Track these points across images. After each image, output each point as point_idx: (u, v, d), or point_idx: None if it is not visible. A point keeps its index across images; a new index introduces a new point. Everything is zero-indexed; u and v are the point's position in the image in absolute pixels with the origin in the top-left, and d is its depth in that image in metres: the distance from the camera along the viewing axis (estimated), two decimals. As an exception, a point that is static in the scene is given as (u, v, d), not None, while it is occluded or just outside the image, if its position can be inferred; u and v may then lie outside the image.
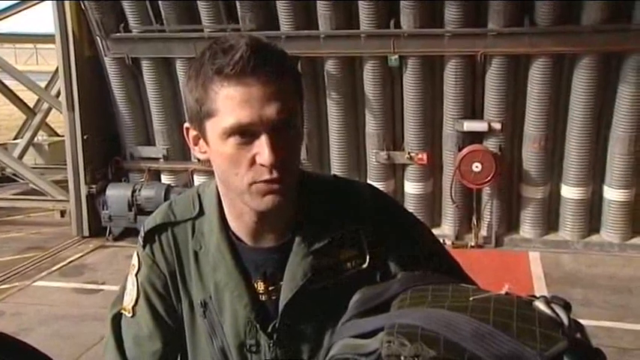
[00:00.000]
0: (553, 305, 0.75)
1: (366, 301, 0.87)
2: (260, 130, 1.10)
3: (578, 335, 0.72)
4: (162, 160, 8.81)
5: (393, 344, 0.72)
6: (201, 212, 1.31)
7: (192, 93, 1.14)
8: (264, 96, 1.09)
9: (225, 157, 1.14)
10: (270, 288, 1.27)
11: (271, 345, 1.27)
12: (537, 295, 0.80)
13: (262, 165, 1.11)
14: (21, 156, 10.67)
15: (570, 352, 0.68)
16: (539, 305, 0.75)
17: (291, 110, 1.13)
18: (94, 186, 8.60)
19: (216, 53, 1.10)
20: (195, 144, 1.21)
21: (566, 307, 0.76)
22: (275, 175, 1.11)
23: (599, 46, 7.17)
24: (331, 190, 1.32)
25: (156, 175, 8.96)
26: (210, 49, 1.12)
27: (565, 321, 0.73)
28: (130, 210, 8.26)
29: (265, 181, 1.13)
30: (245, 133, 1.10)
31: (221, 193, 1.27)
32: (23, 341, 0.98)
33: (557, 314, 0.74)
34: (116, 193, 8.40)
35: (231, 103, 1.09)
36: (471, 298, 0.76)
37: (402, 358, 0.71)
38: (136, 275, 1.35)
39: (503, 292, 0.79)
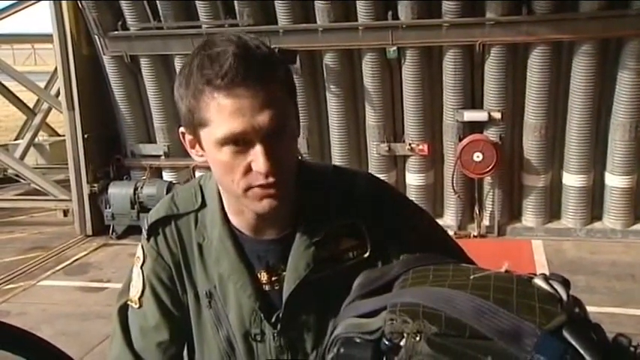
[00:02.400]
0: (552, 282, 0.77)
1: (368, 283, 0.89)
2: (254, 138, 1.10)
3: (577, 310, 0.74)
4: (163, 157, 8.82)
5: (395, 322, 0.74)
6: (203, 204, 1.33)
7: (183, 101, 1.16)
8: (255, 105, 1.09)
9: (220, 164, 1.15)
10: (273, 278, 1.29)
11: (276, 334, 1.29)
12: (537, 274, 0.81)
13: (258, 172, 1.12)
14: (22, 156, 10.69)
15: (569, 326, 0.69)
16: (538, 282, 0.77)
17: (284, 114, 1.13)
18: (95, 185, 8.62)
19: (203, 61, 1.10)
20: (192, 147, 1.23)
21: (565, 283, 0.77)
22: (271, 180, 1.13)
23: (597, 33, 7.16)
24: (331, 181, 1.33)
25: (157, 172, 8.97)
26: (198, 56, 1.12)
27: (564, 296, 0.75)
28: (133, 208, 8.28)
29: (261, 186, 1.14)
30: (239, 142, 1.11)
31: (221, 191, 1.29)
32: (40, 337, 1.00)
33: (555, 290, 0.75)
34: (118, 192, 8.42)
35: (222, 114, 1.09)
36: (471, 277, 0.78)
37: (405, 334, 0.73)
38: (142, 267, 1.37)
39: (502, 270, 0.81)
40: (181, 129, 1.24)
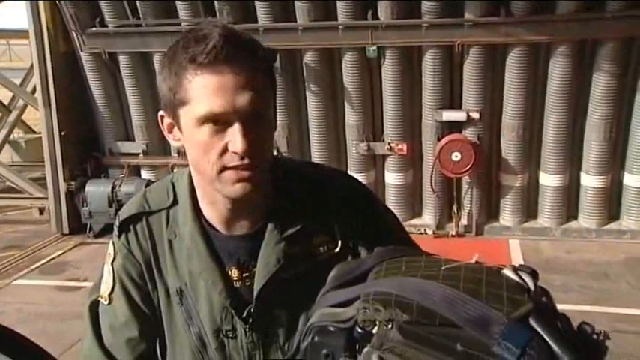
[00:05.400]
0: (520, 272, 0.79)
1: (342, 275, 0.90)
2: (233, 118, 1.12)
3: (544, 299, 0.76)
4: (141, 155, 8.76)
5: (368, 310, 0.76)
6: (175, 202, 1.34)
7: (165, 81, 1.16)
8: (237, 85, 1.10)
9: (197, 144, 1.16)
10: (244, 274, 1.30)
11: (247, 329, 1.30)
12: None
13: (234, 153, 1.13)
14: (-3, 154, 10.54)
15: (536, 314, 0.72)
16: (507, 272, 0.79)
17: (264, 100, 1.15)
18: (73, 183, 8.53)
19: (189, 42, 1.12)
20: (170, 132, 1.23)
21: (533, 274, 0.80)
22: (246, 161, 1.13)
23: (573, 35, 7.28)
24: (304, 177, 1.34)
25: (136, 170, 8.91)
26: (183, 38, 1.14)
27: (531, 286, 0.77)
28: (111, 206, 8.21)
29: (236, 167, 1.15)
30: (218, 122, 1.12)
31: (194, 182, 1.30)
32: (23, 335, 0.99)
33: (524, 280, 0.78)
34: (96, 190, 8.35)
35: (204, 91, 1.11)
36: (442, 267, 0.80)
37: (377, 322, 0.75)
38: (112, 264, 1.37)
39: (473, 260, 0.83)
40: (160, 112, 1.24)
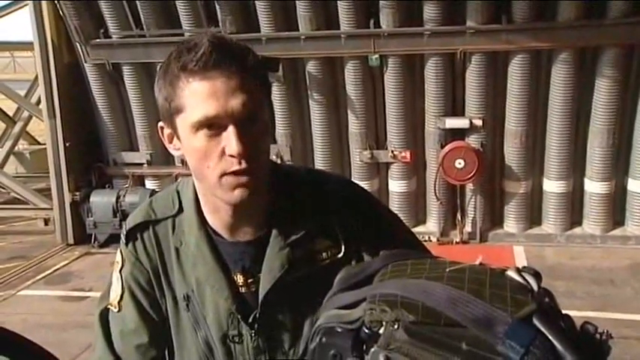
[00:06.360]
0: (524, 274, 0.80)
1: (349, 278, 0.92)
2: (227, 122, 1.14)
3: (547, 300, 0.77)
4: (145, 165, 8.81)
5: (375, 311, 0.77)
6: (180, 210, 1.36)
7: (161, 91, 1.19)
8: (228, 89, 1.13)
9: (195, 150, 1.18)
10: (249, 280, 1.32)
11: (253, 335, 1.32)
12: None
13: (231, 156, 1.15)
14: (2, 165, 10.59)
15: (539, 314, 0.73)
16: (511, 274, 0.80)
17: (256, 102, 1.17)
18: (77, 193, 8.57)
19: (181, 52, 1.15)
20: (170, 141, 1.26)
21: (536, 275, 0.81)
22: (244, 165, 1.15)
23: (575, 42, 7.31)
24: (304, 180, 1.36)
25: (140, 180, 8.95)
26: (176, 50, 1.17)
27: (534, 287, 0.78)
28: (115, 216, 8.25)
29: (235, 173, 1.16)
30: (213, 126, 1.14)
31: (197, 190, 1.32)
32: (28, 339, 1.00)
33: (527, 281, 0.79)
34: (100, 200, 8.39)
35: (197, 97, 1.13)
36: (447, 269, 0.81)
37: (384, 323, 0.76)
38: (120, 271, 1.39)
39: (477, 262, 0.85)
40: (160, 124, 1.27)
